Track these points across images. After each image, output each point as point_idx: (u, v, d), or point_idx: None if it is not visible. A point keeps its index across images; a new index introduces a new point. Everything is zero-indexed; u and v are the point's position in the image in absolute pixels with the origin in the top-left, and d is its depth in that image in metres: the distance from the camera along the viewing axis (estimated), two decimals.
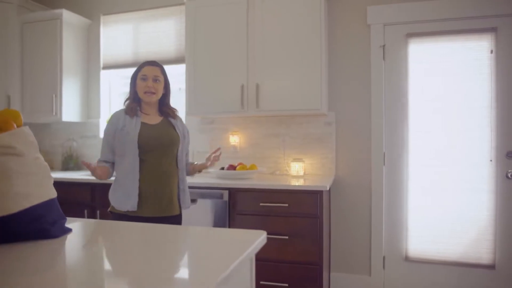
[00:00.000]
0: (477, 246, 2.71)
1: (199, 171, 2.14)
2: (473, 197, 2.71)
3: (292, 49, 2.69)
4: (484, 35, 2.69)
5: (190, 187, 2.58)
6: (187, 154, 2.11)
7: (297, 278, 2.41)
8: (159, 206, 1.89)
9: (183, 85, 3.09)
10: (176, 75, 3.22)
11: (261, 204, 2.45)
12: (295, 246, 2.40)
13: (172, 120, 2.02)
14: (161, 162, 1.90)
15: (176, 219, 1.97)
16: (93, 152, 3.50)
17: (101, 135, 3.48)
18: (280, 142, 3.03)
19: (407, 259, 2.83)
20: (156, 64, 1.99)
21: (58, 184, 1.39)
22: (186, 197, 2.02)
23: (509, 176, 2.65)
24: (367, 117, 2.88)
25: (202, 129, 3.23)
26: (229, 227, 2.52)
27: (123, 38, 3.43)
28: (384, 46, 2.83)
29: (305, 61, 2.67)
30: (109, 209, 1.95)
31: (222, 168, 2.82)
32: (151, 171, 1.87)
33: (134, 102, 1.96)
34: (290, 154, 3.01)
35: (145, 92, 1.92)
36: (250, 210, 2.49)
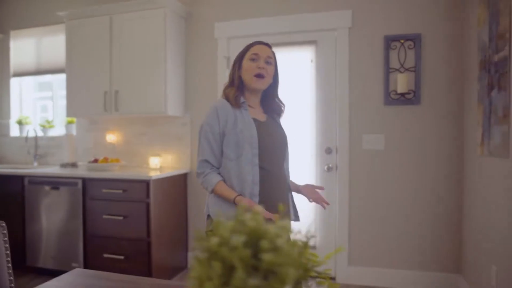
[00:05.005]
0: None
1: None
2: None
3: (144, 61, 3.17)
4: (307, 47, 3.12)
5: (49, 177, 3.12)
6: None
7: (131, 251, 2.89)
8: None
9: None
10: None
11: (103, 190, 2.95)
12: (130, 225, 2.89)
13: (276, 117, 1.73)
14: (277, 169, 1.61)
15: None
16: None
17: (12, 134, 4.02)
18: (147, 140, 3.52)
19: None
20: (268, 45, 1.66)
21: None
22: (295, 209, 1.74)
23: (327, 169, 3.07)
24: None
25: (89, 128, 3.73)
26: (83, 209, 3.01)
27: (29, 49, 3.96)
28: (228, 57, 3.29)
29: (153, 71, 3.14)
30: (210, 229, 1.75)
31: (90, 161, 3.32)
32: (270, 179, 1.57)
33: (237, 90, 1.62)
34: (154, 150, 3.49)
35: (256, 75, 1.57)
36: (98, 196, 2.97)
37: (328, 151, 3.07)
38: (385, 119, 2.96)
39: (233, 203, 1.49)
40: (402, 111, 2.93)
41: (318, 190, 1.72)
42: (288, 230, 0.53)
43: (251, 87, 1.61)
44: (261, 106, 1.69)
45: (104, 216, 2.92)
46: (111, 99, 3.26)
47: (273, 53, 1.65)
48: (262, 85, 1.61)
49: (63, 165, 3.50)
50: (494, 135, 2.11)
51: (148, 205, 2.85)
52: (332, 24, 3.04)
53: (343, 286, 2.89)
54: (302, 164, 3.12)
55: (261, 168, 1.54)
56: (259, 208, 1.29)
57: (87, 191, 3.01)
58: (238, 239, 0.46)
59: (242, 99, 1.60)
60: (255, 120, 1.58)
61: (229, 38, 3.29)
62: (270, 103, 1.69)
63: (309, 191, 1.70)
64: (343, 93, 3.02)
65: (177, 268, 3.25)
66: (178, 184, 3.28)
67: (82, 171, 3.14)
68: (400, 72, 2.92)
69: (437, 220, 2.86)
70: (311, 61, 3.10)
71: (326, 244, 3.09)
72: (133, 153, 3.56)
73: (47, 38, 3.89)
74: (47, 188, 3.11)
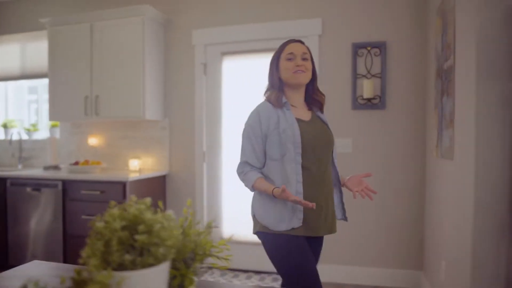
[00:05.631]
0: None
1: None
2: None
3: (124, 67, 3.29)
4: None
5: (30, 179, 3.23)
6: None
7: None
8: (324, 222, 1.59)
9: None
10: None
11: (82, 192, 3.06)
12: None
13: (321, 116, 1.70)
14: (321, 169, 1.59)
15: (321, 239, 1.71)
16: None
17: None
18: (128, 143, 3.63)
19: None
20: (301, 41, 1.68)
21: None
22: (343, 209, 1.73)
23: None
24: (192, 123, 3.47)
25: (72, 132, 3.84)
26: (63, 210, 3.12)
27: (13, 54, 4.07)
28: (205, 63, 3.42)
29: (132, 77, 3.27)
30: (257, 230, 1.63)
31: (71, 164, 3.43)
32: (314, 178, 1.56)
33: (279, 91, 1.63)
34: (134, 153, 3.61)
35: (295, 72, 1.59)
36: (78, 197, 3.09)
37: None
38: (353, 123, 3.10)
39: (272, 195, 1.51)
40: (369, 115, 3.07)
41: (364, 179, 1.68)
42: (171, 219, 0.65)
43: (292, 83, 1.62)
44: (305, 104, 1.69)
45: (83, 217, 3.04)
46: (92, 103, 3.38)
47: (307, 48, 1.65)
48: (303, 79, 1.61)
49: (46, 168, 3.61)
50: (444, 138, 2.25)
51: None
52: (303, 31, 3.18)
53: None
54: None
55: (304, 167, 1.54)
56: (295, 197, 1.41)
57: (67, 193, 3.12)
58: (117, 223, 0.58)
59: (284, 99, 1.61)
60: (298, 120, 1.58)
61: (206, 45, 3.42)
62: (313, 98, 1.69)
63: (354, 183, 1.67)
64: None
65: None
66: (157, 186, 3.40)
67: (63, 173, 3.25)
68: (367, 78, 3.06)
69: (401, 219, 3.00)
70: None
71: None
72: (114, 155, 3.67)
73: (31, 44, 4.00)
74: (28, 189, 3.22)
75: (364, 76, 3.07)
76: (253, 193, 1.70)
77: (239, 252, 3.31)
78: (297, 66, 1.58)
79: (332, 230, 1.63)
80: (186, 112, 3.49)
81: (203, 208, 3.44)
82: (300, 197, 1.50)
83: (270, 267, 2.29)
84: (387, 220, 3.03)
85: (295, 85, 1.63)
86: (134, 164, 3.46)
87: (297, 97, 1.66)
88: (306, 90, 1.69)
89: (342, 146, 3.10)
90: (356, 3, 3.09)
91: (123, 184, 2.97)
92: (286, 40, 1.68)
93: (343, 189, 1.76)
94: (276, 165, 1.56)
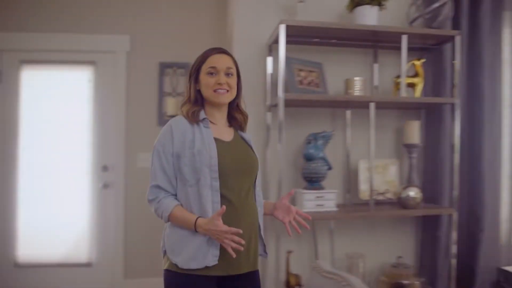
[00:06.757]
0: (77, 248, 3.14)
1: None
2: (75, 205, 3.14)
3: None
4: (85, 67, 3.18)
5: None
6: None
7: None
8: (247, 257, 1.36)
9: None
10: None
11: None
12: None
13: (245, 136, 1.50)
14: (242, 196, 1.38)
15: (256, 276, 1.45)
16: None
17: None
18: None
19: (16, 265, 3.08)
20: (227, 52, 1.46)
21: None
22: (263, 243, 1.49)
23: (103, 186, 3.14)
24: None
25: None
26: None
27: None
28: (1, 70, 3.12)
29: None
30: (165, 267, 1.37)
31: None
32: (234, 207, 1.34)
33: (196, 106, 1.42)
34: None
35: (216, 90, 1.37)
36: None
37: (105, 169, 3.15)
38: None
39: (194, 229, 1.29)
40: None
41: (289, 204, 1.46)
42: None
43: (213, 102, 1.41)
44: (227, 120, 1.49)
45: None
46: None
47: (233, 60, 1.45)
48: (225, 99, 1.40)
49: None
50: None
51: None
52: (111, 47, 3.17)
53: None
54: (78, 182, 3.13)
55: (222, 195, 1.33)
56: (224, 227, 1.20)
57: None
58: None
59: (202, 115, 1.40)
60: (217, 140, 1.38)
61: (2, 50, 3.11)
62: (234, 114, 1.48)
63: (283, 211, 1.46)
64: (120, 113, 3.16)
65: None
66: None
67: None
68: (173, 96, 3.21)
69: None
70: (89, 81, 3.17)
71: (103, 261, 3.14)
72: None
73: None
74: None
75: (170, 94, 3.21)
76: (166, 224, 1.42)
77: (40, 276, 3.07)
78: (219, 84, 1.37)
79: (255, 266, 1.41)
80: None
81: None
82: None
83: None
84: None
85: (214, 104, 1.42)
86: None
87: (219, 115, 1.45)
88: (229, 107, 1.48)
89: (148, 161, 3.14)
90: (163, 24, 3.22)
91: None
92: (209, 48, 1.45)
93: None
94: (190, 192, 1.33)
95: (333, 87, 2.33)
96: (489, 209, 2.37)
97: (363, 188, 2.27)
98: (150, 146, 3.53)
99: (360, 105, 2.20)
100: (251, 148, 1.49)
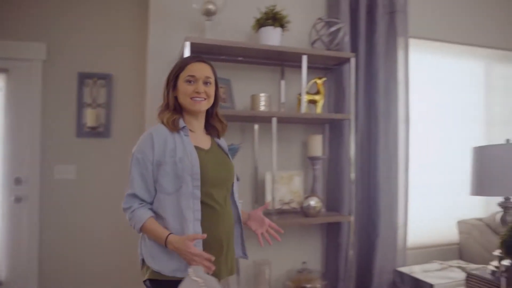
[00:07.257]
0: None
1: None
2: None
3: None
4: None
5: None
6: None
7: None
8: (225, 263, 1.42)
9: None
10: None
11: None
12: None
13: (221, 143, 1.56)
14: (221, 203, 1.42)
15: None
16: None
17: None
18: None
19: None
20: (206, 61, 1.49)
21: None
22: (243, 246, 1.59)
23: (15, 200, 3.01)
24: None
25: None
26: None
27: None
28: None
29: None
30: (146, 277, 1.37)
31: None
32: (214, 215, 1.39)
33: (176, 113, 1.44)
34: None
35: (193, 98, 1.42)
36: None
37: (18, 181, 3.02)
38: (77, 150, 3.12)
39: (165, 244, 1.31)
40: (94, 143, 3.16)
41: (263, 216, 1.62)
42: None
43: (190, 110, 1.45)
44: (205, 129, 1.54)
45: None
46: None
47: (212, 69, 1.49)
48: (202, 107, 1.45)
49: None
50: None
51: None
52: (26, 54, 3.06)
53: None
54: None
55: (202, 202, 1.36)
56: (195, 250, 1.23)
57: None
58: None
59: (182, 123, 1.43)
60: (197, 148, 1.41)
61: None
62: (212, 122, 1.54)
63: (256, 223, 1.60)
64: (35, 124, 3.04)
65: None
66: None
67: None
68: (92, 107, 3.15)
69: (130, 244, 3.13)
70: (0, 89, 3.03)
71: (15, 277, 2.99)
72: None
73: None
74: None
75: (89, 105, 3.16)
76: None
77: None
78: (197, 92, 1.42)
79: (232, 271, 1.49)
80: None
81: None
82: (199, 241, 1.32)
83: None
84: (115, 245, 3.12)
85: (192, 112, 1.47)
86: None
87: (197, 123, 1.50)
88: (207, 115, 1.54)
89: (65, 173, 3.08)
90: (83, 33, 3.17)
91: None
92: (189, 56, 1.53)
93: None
94: (169, 200, 1.35)
95: (243, 102, 2.44)
96: (386, 216, 2.59)
97: (269, 198, 2.39)
98: (68, 157, 3.49)
99: (265, 119, 2.33)
100: (227, 155, 1.55)
